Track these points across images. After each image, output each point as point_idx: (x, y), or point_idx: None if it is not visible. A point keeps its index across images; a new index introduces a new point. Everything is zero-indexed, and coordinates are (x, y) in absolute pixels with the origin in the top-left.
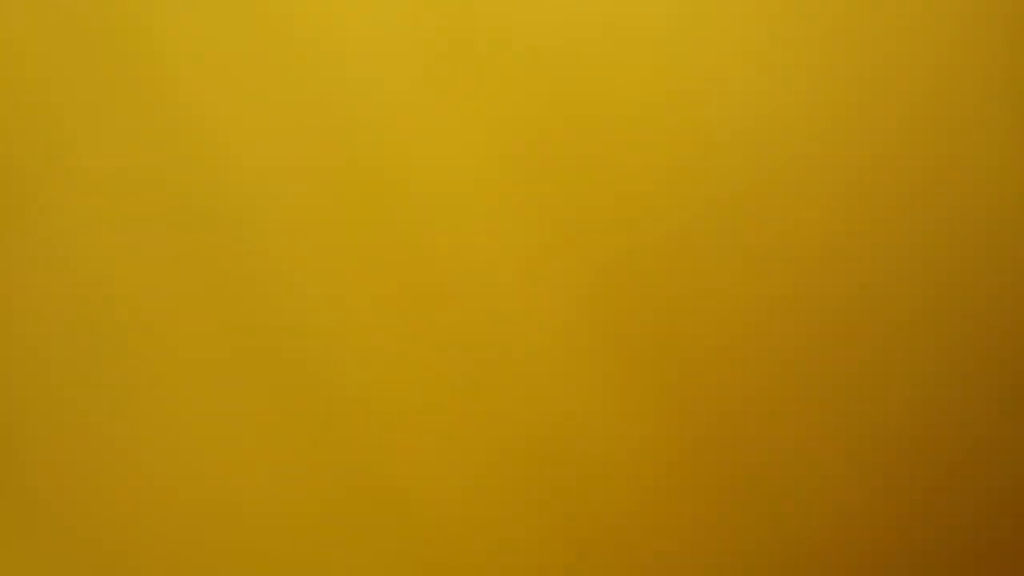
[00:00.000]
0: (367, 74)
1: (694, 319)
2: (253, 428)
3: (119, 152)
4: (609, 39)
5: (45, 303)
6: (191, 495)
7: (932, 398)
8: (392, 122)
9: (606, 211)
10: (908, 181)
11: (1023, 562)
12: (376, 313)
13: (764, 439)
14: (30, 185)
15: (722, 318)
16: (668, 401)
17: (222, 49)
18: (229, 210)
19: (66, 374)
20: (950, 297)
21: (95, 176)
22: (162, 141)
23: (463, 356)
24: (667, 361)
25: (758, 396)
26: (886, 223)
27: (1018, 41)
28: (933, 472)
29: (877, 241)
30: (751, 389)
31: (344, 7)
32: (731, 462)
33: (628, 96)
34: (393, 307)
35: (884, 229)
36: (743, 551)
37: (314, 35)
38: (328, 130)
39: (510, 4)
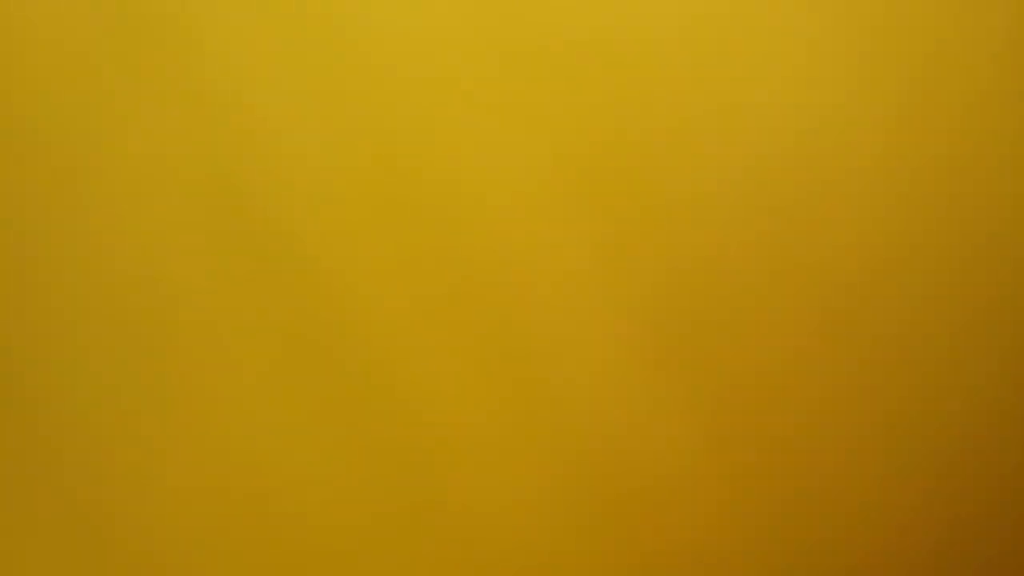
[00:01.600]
0: (415, 70)
1: (745, 328)
2: (287, 428)
3: (160, 144)
4: (672, 46)
5: (82, 294)
6: (228, 493)
7: (960, 393)
8: (442, 121)
9: (656, 217)
10: (956, 192)
11: None
12: (421, 315)
13: (792, 428)
14: (69, 176)
15: (769, 325)
16: (716, 409)
17: (267, 42)
18: (270, 206)
19: (103, 369)
20: (975, 296)
21: (132, 167)
22: (205, 136)
23: (505, 355)
24: (716, 369)
25: (788, 387)
26: (930, 234)
27: None
28: (958, 465)
29: (921, 252)
30: (783, 381)
31: (396, 6)
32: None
33: (687, 105)
34: (438, 306)
35: (928, 240)
36: (770, 543)
37: (362, 28)
38: (374, 126)
39: (565, 5)
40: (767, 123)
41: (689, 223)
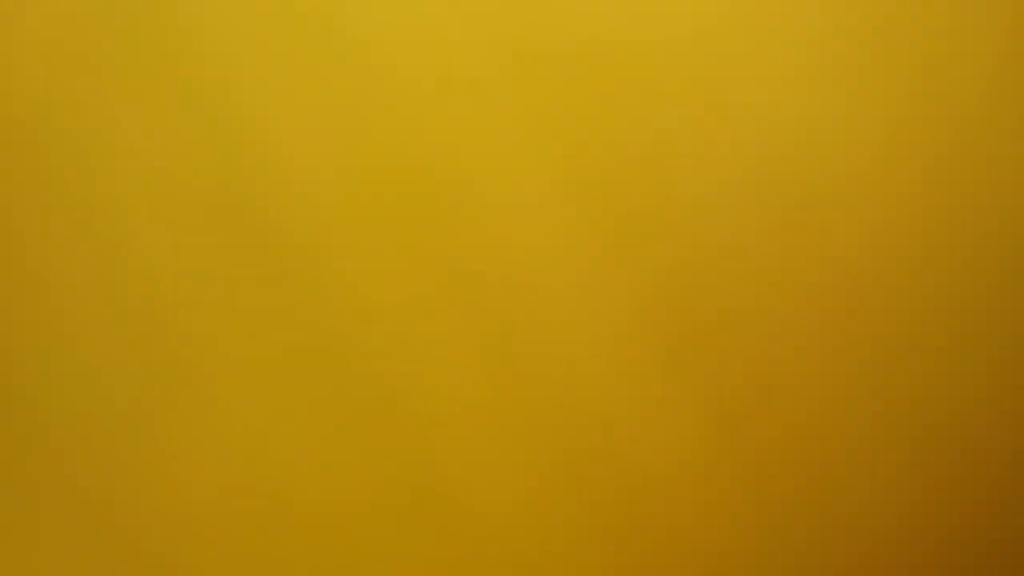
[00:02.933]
0: (418, 70)
1: (749, 328)
2: (291, 428)
3: (161, 148)
4: (675, 49)
5: (84, 297)
6: (233, 493)
7: (957, 391)
8: (446, 123)
9: (659, 216)
10: (960, 191)
11: None
12: (424, 316)
13: (793, 422)
14: (70, 179)
15: (772, 325)
16: (720, 409)
17: (270, 44)
18: (275, 209)
19: (107, 371)
20: (978, 296)
21: (135, 171)
22: (209, 139)
23: (509, 353)
24: (720, 368)
25: (790, 381)
26: (934, 233)
27: None
28: (955, 462)
29: (924, 252)
30: (784, 375)
31: (401, 5)
32: (763, 451)
33: (689, 106)
34: (440, 304)
35: (931, 239)
36: (771, 532)
37: (363, 28)
38: (375, 125)
39: (567, 4)
40: (769, 123)
41: (692, 222)
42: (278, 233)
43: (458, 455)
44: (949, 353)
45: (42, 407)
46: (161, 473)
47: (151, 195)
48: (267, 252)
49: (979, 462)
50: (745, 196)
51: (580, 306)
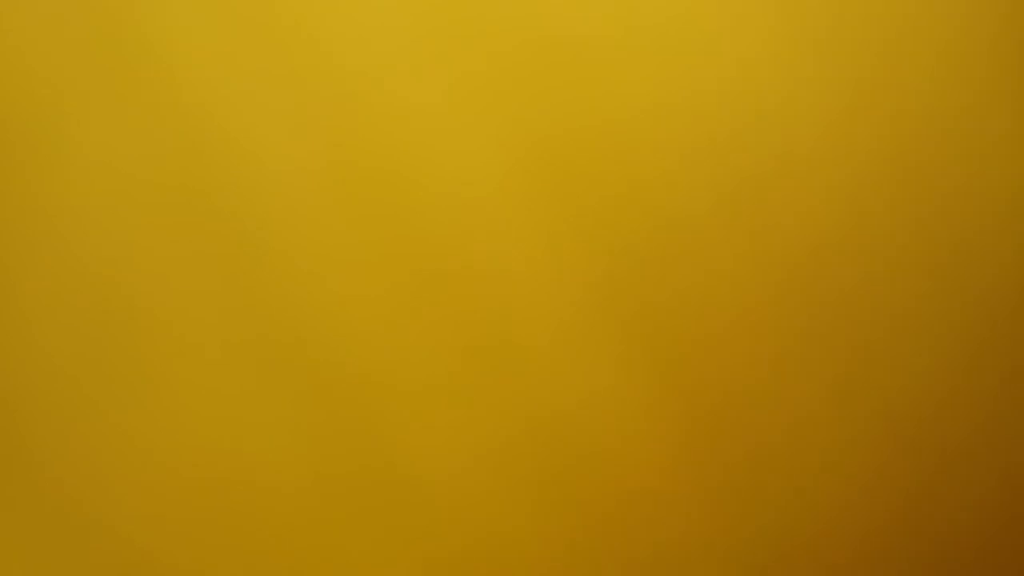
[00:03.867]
0: (378, 69)
1: (700, 311)
2: (262, 422)
3: (125, 148)
4: (620, 38)
5: (54, 299)
6: (201, 488)
7: (935, 390)
8: (402, 117)
9: (613, 205)
10: (911, 177)
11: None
12: (386, 306)
13: (767, 426)
14: (35, 181)
15: (727, 309)
16: (674, 389)
17: (229, 44)
18: (238, 205)
19: (75, 370)
20: (948, 292)
21: (101, 172)
22: (170, 137)
23: (471, 345)
24: (673, 350)
25: (761, 384)
26: (887, 218)
27: (1021, 40)
28: (934, 464)
29: (878, 235)
30: (754, 377)
31: (356, 3)
32: (734, 449)
33: (637, 95)
34: (403, 300)
35: (885, 223)
36: (745, 535)
37: (324, 30)
38: (337, 125)
39: (524, 4)
40: (729, 107)
41: (650, 207)
42: (246, 232)
43: (419, 443)
44: (930, 353)
45: (12, 408)
46: (125, 468)
47: (114, 194)
48: (231, 249)
49: (967, 462)
50: (715, 191)
51: (548, 303)
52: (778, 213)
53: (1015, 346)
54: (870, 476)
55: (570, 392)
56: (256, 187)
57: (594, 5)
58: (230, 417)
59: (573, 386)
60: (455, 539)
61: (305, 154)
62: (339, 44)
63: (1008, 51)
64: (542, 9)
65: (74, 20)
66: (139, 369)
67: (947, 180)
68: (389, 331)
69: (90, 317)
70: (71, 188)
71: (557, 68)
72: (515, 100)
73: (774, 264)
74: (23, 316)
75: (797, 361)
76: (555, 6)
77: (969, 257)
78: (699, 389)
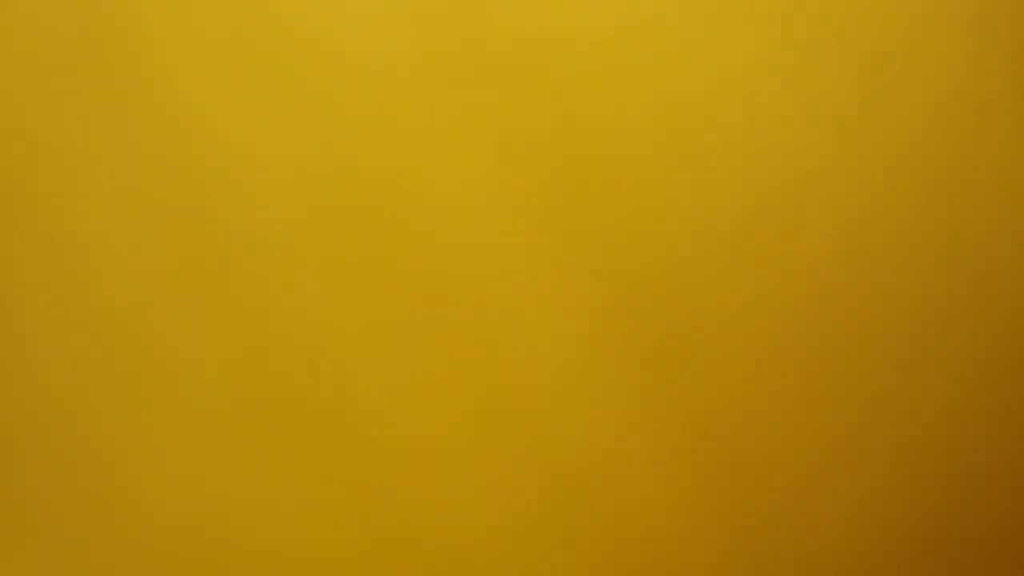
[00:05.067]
0: (370, 77)
1: (701, 324)
2: (252, 436)
3: (116, 154)
4: (618, 44)
5: (43, 306)
6: (189, 501)
7: (930, 397)
8: (395, 126)
9: (609, 215)
10: (913, 186)
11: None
12: (379, 320)
13: (766, 440)
14: (26, 187)
15: (728, 321)
16: (677, 410)
17: (223, 49)
18: (228, 214)
19: (64, 377)
20: (946, 297)
21: (94, 176)
22: (160, 144)
23: (464, 362)
24: (675, 368)
25: (762, 397)
26: (889, 226)
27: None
28: (935, 464)
29: (879, 244)
30: (756, 391)
31: (346, 7)
32: (737, 467)
33: (634, 102)
34: (395, 314)
35: (886, 232)
36: (743, 546)
37: (314, 36)
38: (329, 134)
39: (515, 7)
40: (737, 124)
41: (656, 226)
42: (234, 240)
43: (419, 461)
44: (925, 358)
45: (8, 414)
46: (113, 478)
47: (104, 201)
48: (222, 258)
49: (961, 467)
50: (712, 198)
51: (542, 314)
52: (782, 224)
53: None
54: (872, 488)
55: (570, 411)
56: (251, 194)
57: (608, 14)
58: (218, 432)
59: (573, 404)
60: (451, 564)
61: (300, 166)
62: (332, 49)
63: (1021, 55)
64: (543, 13)
65: (70, 24)
66: (128, 381)
67: (960, 190)
68: (381, 346)
69: (79, 326)
70: (64, 193)
71: (552, 74)
72: (513, 109)
73: (777, 275)
74: (16, 321)
75: (797, 373)
76: (565, 11)
77: (983, 270)
78: (702, 406)
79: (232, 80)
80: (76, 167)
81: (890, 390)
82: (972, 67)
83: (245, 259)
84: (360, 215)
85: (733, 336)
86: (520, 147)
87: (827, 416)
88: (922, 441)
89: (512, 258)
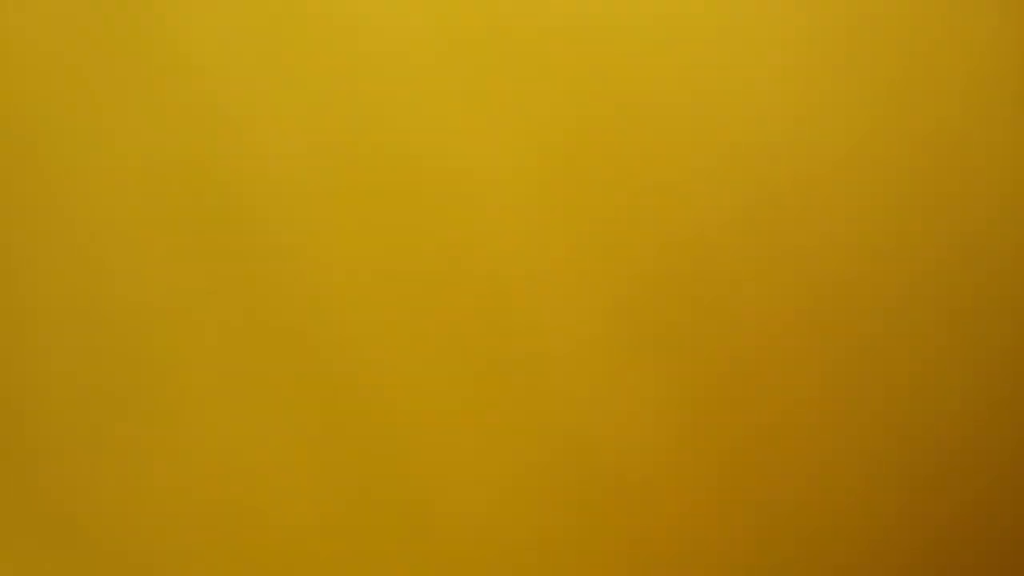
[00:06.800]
0: (393, 66)
1: (716, 305)
2: (267, 430)
3: (132, 147)
4: (647, 37)
5: (55, 300)
6: (202, 497)
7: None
8: (419, 116)
9: (627, 196)
10: (937, 185)
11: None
12: (398, 313)
13: (778, 419)
14: (41, 180)
15: (741, 303)
16: (690, 387)
17: (241, 41)
18: (246, 207)
19: (75, 374)
20: (970, 300)
21: (108, 170)
22: (178, 135)
23: (484, 353)
24: (689, 346)
25: (773, 378)
26: (911, 227)
27: None
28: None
29: (902, 245)
30: (767, 371)
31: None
32: (747, 444)
33: (664, 97)
34: (416, 305)
35: (909, 232)
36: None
37: (338, 26)
38: (351, 123)
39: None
40: (750, 116)
41: (672, 216)
42: (253, 230)
43: (433, 454)
44: (934, 347)
45: (13, 410)
46: (126, 475)
47: (120, 194)
48: (239, 252)
49: (965, 453)
50: (726, 188)
51: (558, 300)
52: (809, 220)
53: None
54: (878, 475)
55: (590, 405)
56: (270, 188)
57: (636, 13)
58: (232, 427)
59: (592, 397)
60: (466, 555)
61: (323, 156)
62: (354, 40)
63: None
64: (581, 10)
65: (83, 17)
66: (140, 376)
67: (977, 192)
68: (402, 339)
69: (93, 318)
70: (76, 188)
71: (588, 70)
72: (539, 101)
73: (799, 274)
74: (23, 319)
75: (818, 373)
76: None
77: (1002, 271)
78: (724, 404)
79: (261, 72)
80: (97, 159)
81: (901, 376)
82: (990, 61)
83: (272, 255)
84: (383, 207)
85: (746, 317)
86: (549, 140)
87: (839, 398)
88: (937, 421)
89: (527, 236)
